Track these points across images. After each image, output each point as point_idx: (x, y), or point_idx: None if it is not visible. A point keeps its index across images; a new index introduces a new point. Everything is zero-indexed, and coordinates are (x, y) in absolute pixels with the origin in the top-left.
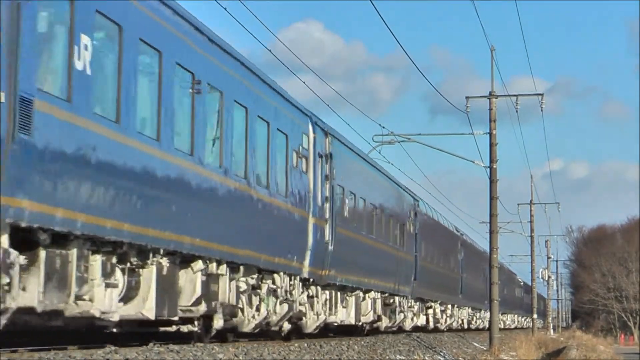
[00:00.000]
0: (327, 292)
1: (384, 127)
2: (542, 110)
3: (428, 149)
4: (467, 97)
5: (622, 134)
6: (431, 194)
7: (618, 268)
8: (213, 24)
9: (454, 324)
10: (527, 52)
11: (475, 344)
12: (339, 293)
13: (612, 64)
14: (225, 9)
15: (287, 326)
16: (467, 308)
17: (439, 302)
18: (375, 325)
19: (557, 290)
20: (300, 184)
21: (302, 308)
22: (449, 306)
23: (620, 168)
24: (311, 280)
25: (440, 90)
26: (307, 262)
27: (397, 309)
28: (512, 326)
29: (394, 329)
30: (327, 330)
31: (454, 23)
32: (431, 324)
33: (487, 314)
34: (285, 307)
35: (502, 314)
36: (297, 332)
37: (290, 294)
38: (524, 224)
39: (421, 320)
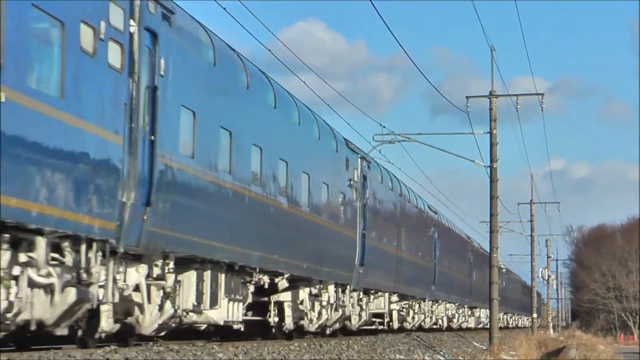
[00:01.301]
0: None
1: (384, 127)
2: (542, 110)
3: (429, 149)
4: (467, 97)
5: (623, 133)
6: (431, 193)
7: (618, 268)
8: (213, 24)
9: (321, 319)
10: (528, 51)
11: (475, 343)
12: None
13: (613, 64)
14: (224, 8)
15: None
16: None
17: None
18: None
19: (557, 290)
20: None
21: None
22: (320, 287)
23: (621, 168)
24: None
25: (441, 89)
26: None
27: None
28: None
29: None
30: None
31: (455, 23)
32: (289, 325)
33: (420, 304)
34: None
35: (475, 309)
36: None
37: None
38: (524, 223)
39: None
